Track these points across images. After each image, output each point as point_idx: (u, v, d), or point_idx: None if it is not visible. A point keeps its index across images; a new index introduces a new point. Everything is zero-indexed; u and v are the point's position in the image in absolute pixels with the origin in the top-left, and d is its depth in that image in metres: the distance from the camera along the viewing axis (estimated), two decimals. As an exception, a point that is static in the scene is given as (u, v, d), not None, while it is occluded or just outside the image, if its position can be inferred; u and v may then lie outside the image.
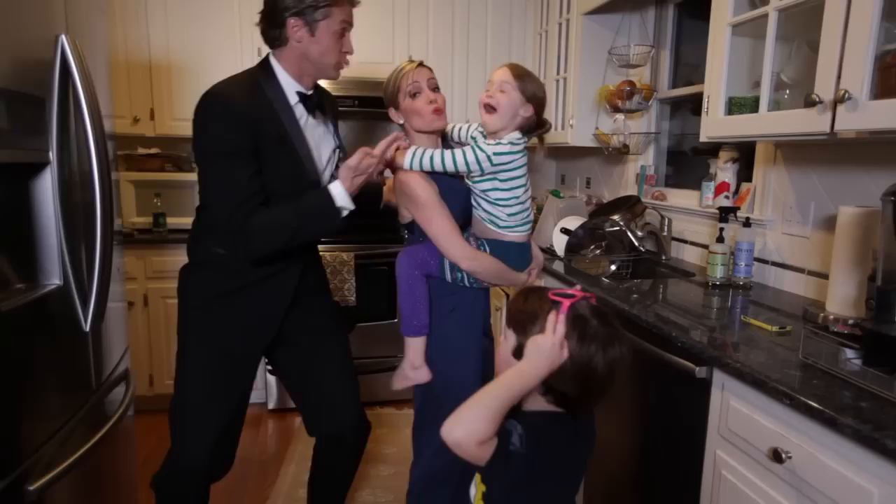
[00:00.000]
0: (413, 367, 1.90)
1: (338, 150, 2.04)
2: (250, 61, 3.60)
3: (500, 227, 1.87)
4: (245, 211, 1.72)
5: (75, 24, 1.65)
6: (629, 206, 3.00)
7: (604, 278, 2.58)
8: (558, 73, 3.59)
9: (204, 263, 1.95)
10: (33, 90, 1.45)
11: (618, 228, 2.95)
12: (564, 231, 3.02)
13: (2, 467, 1.30)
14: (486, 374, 1.91)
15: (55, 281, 1.55)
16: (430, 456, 1.94)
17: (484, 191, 1.85)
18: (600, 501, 2.20)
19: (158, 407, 3.44)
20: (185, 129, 3.60)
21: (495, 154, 1.77)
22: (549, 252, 3.10)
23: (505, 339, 1.28)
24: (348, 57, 1.90)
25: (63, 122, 1.55)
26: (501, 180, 1.82)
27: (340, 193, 1.78)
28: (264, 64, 1.89)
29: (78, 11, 1.68)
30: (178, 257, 3.47)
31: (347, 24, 1.85)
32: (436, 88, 1.87)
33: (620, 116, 3.23)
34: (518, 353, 1.22)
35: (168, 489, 1.99)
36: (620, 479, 2.11)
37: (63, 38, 1.51)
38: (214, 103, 1.76)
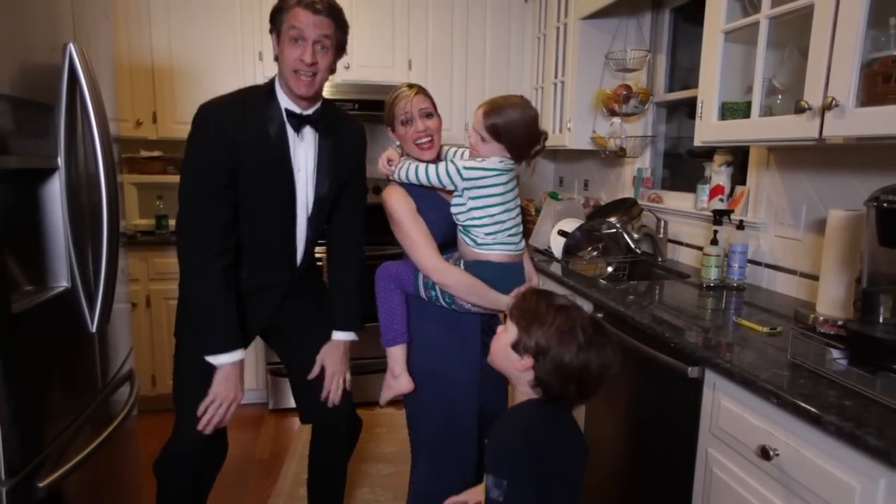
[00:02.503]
0: (393, 377, 1.95)
1: (315, 171, 1.98)
2: (251, 64, 3.74)
3: (478, 244, 1.87)
4: (207, 254, 1.80)
5: (82, 31, 1.68)
6: (626, 208, 3.04)
7: (601, 280, 2.61)
8: (556, 77, 3.63)
9: None
10: (42, 97, 1.49)
11: (615, 230, 2.98)
12: (562, 233, 3.06)
13: (14, 464, 1.34)
14: (484, 400, 1.93)
15: (63, 283, 1.58)
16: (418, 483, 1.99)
17: (457, 206, 1.86)
18: (594, 498, 2.24)
19: (161, 407, 3.49)
20: (187, 132, 3.68)
21: (465, 168, 1.80)
22: (546, 254, 3.14)
23: (506, 330, 1.37)
24: (304, 66, 1.79)
25: (70, 128, 1.58)
26: (473, 198, 1.82)
27: (223, 357, 1.87)
28: (271, 82, 1.92)
29: (84, 18, 1.72)
30: None
31: (296, 30, 1.77)
32: (430, 115, 1.88)
33: (617, 120, 3.27)
34: (516, 346, 1.33)
35: (164, 473, 2.10)
36: (614, 476, 2.15)
37: (71, 46, 1.55)
38: (200, 119, 1.83)
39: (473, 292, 1.86)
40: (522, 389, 1.36)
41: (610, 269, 2.96)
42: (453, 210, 1.87)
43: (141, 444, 2.34)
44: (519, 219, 1.92)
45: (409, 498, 2.03)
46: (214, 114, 1.82)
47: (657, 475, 1.92)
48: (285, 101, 1.88)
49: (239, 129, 1.80)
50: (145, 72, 3.62)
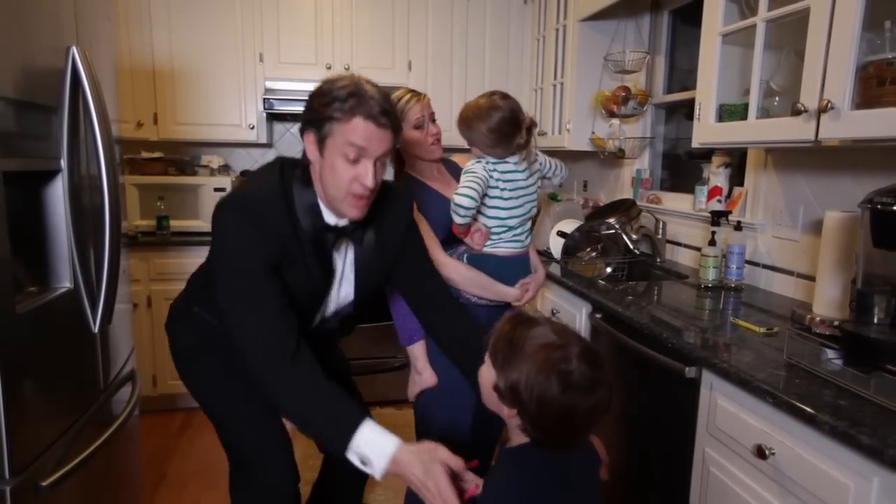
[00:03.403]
0: (417, 373, 1.99)
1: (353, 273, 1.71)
2: (252, 65, 3.78)
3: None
4: (284, 362, 1.41)
5: (84, 34, 1.70)
6: (625, 209, 3.05)
7: (599, 280, 2.62)
8: (555, 78, 3.65)
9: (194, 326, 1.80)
10: (44, 100, 1.50)
11: (613, 231, 3.00)
12: (561, 234, 3.07)
13: (17, 464, 1.35)
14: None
15: (66, 284, 1.60)
16: None
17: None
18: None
19: (162, 407, 3.53)
20: (188, 132, 3.81)
21: (464, 172, 1.94)
22: (545, 254, 3.15)
23: (486, 367, 1.20)
24: (364, 191, 1.46)
25: (73, 130, 1.60)
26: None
27: (373, 452, 1.33)
28: (305, 174, 1.55)
29: (87, 21, 1.73)
30: (182, 259, 3.53)
31: (355, 149, 1.42)
32: (434, 119, 2.03)
33: (616, 121, 3.28)
34: (497, 390, 1.15)
35: None
36: (612, 475, 2.15)
37: (74, 49, 1.57)
38: (241, 210, 1.47)
39: (476, 284, 1.96)
40: (514, 430, 1.20)
41: (609, 269, 2.97)
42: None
43: (142, 444, 2.34)
44: (527, 218, 2.03)
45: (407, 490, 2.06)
46: (260, 205, 1.48)
47: (655, 474, 1.93)
48: (327, 214, 1.55)
49: (283, 224, 1.50)
50: (146, 73, 3.63)
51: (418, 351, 1.98)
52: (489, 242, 1.98)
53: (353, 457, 1.33)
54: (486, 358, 1.20)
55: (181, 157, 3.95)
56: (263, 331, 1.43)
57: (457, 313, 1.77)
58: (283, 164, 1.58)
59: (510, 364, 1.12)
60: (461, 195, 1.84)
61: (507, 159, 1.94)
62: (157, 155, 3.79)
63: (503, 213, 1.96)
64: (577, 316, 2.54)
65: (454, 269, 1.94)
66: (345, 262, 1.67)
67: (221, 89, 3.78)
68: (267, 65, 3.80)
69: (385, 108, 1.42)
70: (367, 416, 1.37)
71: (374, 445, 1.32)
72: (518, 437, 1.20)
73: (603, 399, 1.11)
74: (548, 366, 1.09)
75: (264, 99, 3.73)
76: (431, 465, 1.26)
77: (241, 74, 3.76)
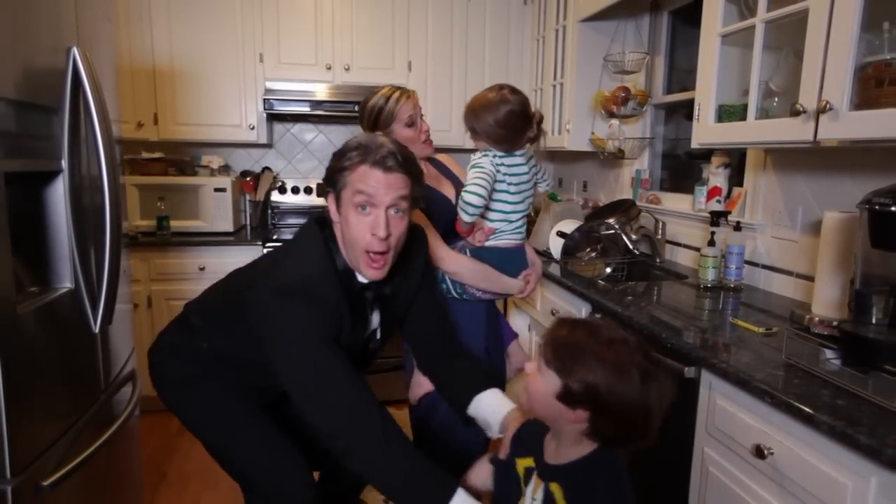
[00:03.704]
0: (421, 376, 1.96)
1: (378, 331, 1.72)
2: (252, 65, 3.79)
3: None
4: (379, 444, 1.41)
5: (85, 34, 1.70)
6: (624, 209, 3.06)
7: (599, 281, 2.63)
8: (555, 79, 3.65)
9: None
10: (45, 101, 1.51)
11: (613, 231, 3.00)
12: (561, 234, 3.07)
13: (18, 464, 1.36)
14: None
15: (66, 284, 1.60)
16: None
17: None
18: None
19: (162, 407, 3.48)
20: (188, 133, 3.83)
21: (471, 167, 1.93)
22: (545, 255, 3.15)
23: (541, 375, 1.13)
24: (376, 242, 1.44)
25: (74, 130, 1.60)
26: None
27: None
28: (327, 237, 1.55)
29: (87, 21, 1.74)
30: (182, 259, 3.53)
31: (363, 196, 1.42)
32: (422, 116, 2.05)
33: (616, 121, 3.29)
34: (564, 397, 1.09)
35: None
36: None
37: (74, 49, 1.57)
38: (306, 294, 1.44)
39: (483, 277, 1.96)
40: (570, 438, 1.16)
41: (608, 269, 2.97)
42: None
43: (142, 444, 2.35)
44: (526, 212, 2.04)
45: None
46: (321, 286, 1.47)
47: (654, 474, 1.93)
48: (360, 275, 1.55)
49: (339, 297, 1.49)
50: (146, 73, 3.64)
51: None
52: (492, 236, 1.99)
53: None
54: (539, 367, 1.14)
55: (181, 158, 3.96)
56: (354, 415, 1.43)
57: (458, 354, 1.77)
58: (321, 226, 1.55)
59: (581, 367, 1.08)
60: (472, 193, 1.82)
61: (514, 153, 1.94)
62: (157, 155, 3.80)
63: (508, 208, 1.96)
64: (577, 316, 2.54)
65: (459, 263, 1.94)
66: (373, 314, 1.67)
67: (221, 89, 3.78)
68: (267, 65, 3.80)
69: (394, 153, 1.42)
70: (457, 486, 1.37)
71: None
72: (574, 446, 1.17)
73: (670, 385, 1.10)
74: (623, 362, 1.07)
75: (264, 99, 3.74)
76: None
77: (242, 74, 3.77)
